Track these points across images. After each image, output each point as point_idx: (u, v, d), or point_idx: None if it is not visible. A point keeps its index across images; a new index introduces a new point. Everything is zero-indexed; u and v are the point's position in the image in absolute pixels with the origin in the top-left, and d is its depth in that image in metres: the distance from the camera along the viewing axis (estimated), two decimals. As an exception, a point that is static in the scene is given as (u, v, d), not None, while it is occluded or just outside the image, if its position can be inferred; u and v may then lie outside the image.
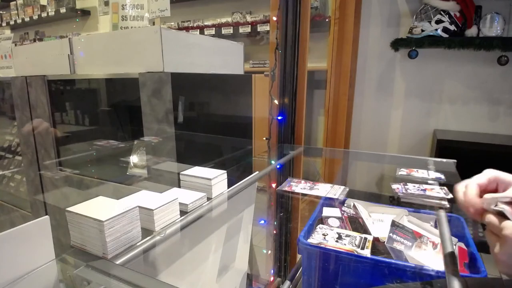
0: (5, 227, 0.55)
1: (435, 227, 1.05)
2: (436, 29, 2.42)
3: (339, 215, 1.14)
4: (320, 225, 1.08)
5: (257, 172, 1.20)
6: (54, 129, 1.56)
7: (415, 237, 0.96)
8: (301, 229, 1.21)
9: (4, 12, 5.17)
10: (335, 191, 1.18)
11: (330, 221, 1.12)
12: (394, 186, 1.13)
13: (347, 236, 1.00)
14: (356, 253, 0.91)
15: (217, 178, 0.94)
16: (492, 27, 2.34)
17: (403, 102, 2.83)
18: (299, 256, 1.67)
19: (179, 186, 0.96)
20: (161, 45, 1.14)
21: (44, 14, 4.56)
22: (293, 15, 1.48)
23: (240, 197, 1.08)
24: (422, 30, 2.46)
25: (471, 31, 2.37)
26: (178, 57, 1.23)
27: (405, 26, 2.67)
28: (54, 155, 1.59)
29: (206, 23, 3.47)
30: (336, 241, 0.97)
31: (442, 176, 1.20)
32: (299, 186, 1.24)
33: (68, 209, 0.66)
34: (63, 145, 1.61)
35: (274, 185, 1.55)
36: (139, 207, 0.72)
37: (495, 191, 0.61)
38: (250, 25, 3.11)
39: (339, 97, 2.79)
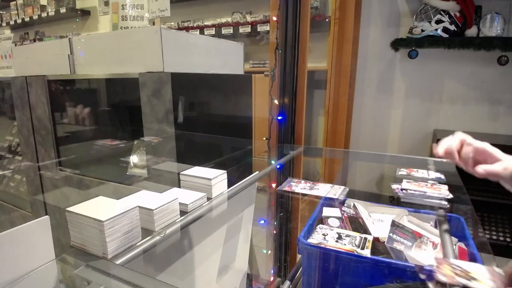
0: (5, 227, 0.55)
1: (435, 227, 1.05)
2: (436, 29, 2.42)
3: (339, 215, 1.14)
4: (320, 225, 1.08)
5: (257, 172, 1.20)
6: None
7: (415, 237, 0.96)
8: (301, 229, 1.21)
9: (4, 12, 5.17)
10: (335, 191, 1.18)
11: (330, 221, 1.11)
12: (394, 186, 1.13)
13: (347, 236, 1.00)
14: (356, 253, 0.91)
15: (217, 178, 0.94)
16: (492, 27, 2.34)
17: (403, 102, 2.83)
18: (299, 256, 1.67)
19: (179, 186, 0.96)
20: (161, 45, 1.14)
21: (44, 14, 4.56)
22: (293, 15, 1.47)
23: (240, 197, 1.08)
24: (422, 30, 2.46)
25: (471, 31, 2.37)
26: (178, 57, 1.23)
27: (405, 26, 2.67)
28: (54, 155, 1.59)
29: (206, 23, 3.47)
30: (336, 241, 0.97)
31: (442, 176, 1.20)
32: (299, 186, 1.24)
33: (68, 209, 0.66)
34: (63, 145, 1.61)
35: (274, 185, 1.55)
36: (139, 207, 0.72)
37: (484, 162, 0.72)
38: (250, 25, 3.11)
39: (339, 97, 2.79)
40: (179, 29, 3.59)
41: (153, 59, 1.16)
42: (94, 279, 0.57)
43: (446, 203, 1.02)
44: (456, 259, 0.62)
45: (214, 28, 3.28)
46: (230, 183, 1.01)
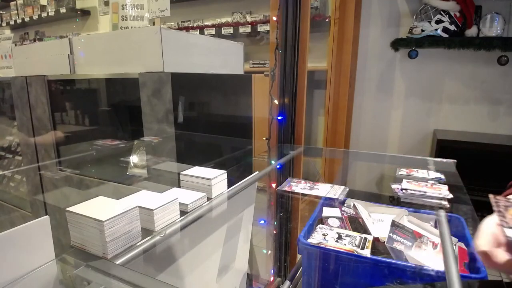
0: (5, 227, 0.55)
1: (435, 227, 1.05)
2: (436, 29, 2.42)
3: (339, 215, 1.14)
4: (320, 225, 1.08)
5: (257, 172, 1.20)
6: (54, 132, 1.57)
7: (415, 237, 0.96)
8: (301, 229, 1.21)
9: (4, 12, 5.17)
10: (335, 191, 1.18)
11: (330, 221, 1.11)
12: (394, 186, 1.13)
13: (347, 236, 1.00)
14: (356, 253, 0.91)
15: (217, 178, 0.94)
16: (492, 27, 2.34)
17: (403, 102, 2.83)
18: (299, 256, 1.67)
19: (179, 186, 0.96)
20: (161, 45, 1.14)
21: (44, 14, 4.56)
22: (293, 15, 1.47)
23: (240, 197, 1.08)
24: (422, 30, 2.46)
25: (471, 31, 2.37)
26: (178, 57, 1.23)
27: (405, 26, 2.67)
28: (54, 155, 1.59)
29: (206, 23, 3.47)
30: (336, 241, 0.97)
31: (442, 176, 1.20)
32: (299, 186, 1.24)
33: (68, 209, 0.66)
34: (63, 145, 1.61)
35: (274, 185, 1.55)
36: (139, 207, 0.72)
37: None
38: (250, 25, 3.11)
39: (339, 97, 2.79)
40: (179, 29, 3.59)
41: (153, 59, 1.16)
42: (94, 279, 0.57)
43: (446, 203, 1.02)
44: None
45: (214, 28, 3.28)
46: (230, 183, 1.01)
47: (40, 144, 1.61)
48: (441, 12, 2.40)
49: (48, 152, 1.61)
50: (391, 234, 0.95)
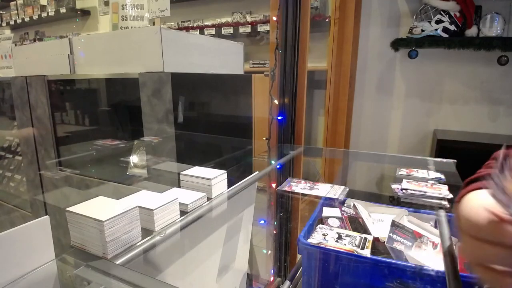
0: (5, 227, 0.55)
1: (435, 227, 1.05)
2: (436, 29, 2.42)
3: (339, 215, 1.14)
4: (320, 225, 1.08)
5: (257, 172, 1.20)
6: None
7: (415, 237, 0.96)
8: (301, 229, 1.21)
9: (4, 12, 5.17)
10: (335, 191, 1.18)
11: (330, 221, 1.11)
12: (394, 186, 1.13)
13: (347, 236, 1.00)
14: (356, 253, 0.91)
15: (217, 178, 0.94)
16: (492, 27, 2.34)
17: (403, 102, 2.83)
18: (299, 256, 1.67)
19: (179, 186, 0.96)
20: (161, 45, 1.14)
21: (44, 14, 4.56)
22: (293, 15, 1.47)
23: (240, 197, 1.08)
24: (422, 30, 2.46)
25: (471, 31, 2.37)
26: (178, 57, 1.23)
27: (405, 26, 2.67)
28: (54, 155, 1.59)
29: (206, 23, 3.47)
30: (336, 241, 0.97)
31: (442, 176, 1.20)
32: (299, 186, 1.24)
33: (68, 209, 0.66)
34: (63, 145, 1.61)
35: (274, 185, 1.55)
36: (139, 207, 0.72)
37: None
38: (250, 25, 3.11)
39: (339, 97, 2.79)
40: (179, 29, 3.59)
41: (153, 59, 1.16)
42: (94, 279, 0.57)
43: (446, 203, 1.02)
44: None
45: (214, 28, 3.28)
46: (230, 183, 1.01)
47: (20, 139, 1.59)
48: (441, 12, 2.40)
49: (48, 152, 1.61)
50: (391, 234, 0.95)
